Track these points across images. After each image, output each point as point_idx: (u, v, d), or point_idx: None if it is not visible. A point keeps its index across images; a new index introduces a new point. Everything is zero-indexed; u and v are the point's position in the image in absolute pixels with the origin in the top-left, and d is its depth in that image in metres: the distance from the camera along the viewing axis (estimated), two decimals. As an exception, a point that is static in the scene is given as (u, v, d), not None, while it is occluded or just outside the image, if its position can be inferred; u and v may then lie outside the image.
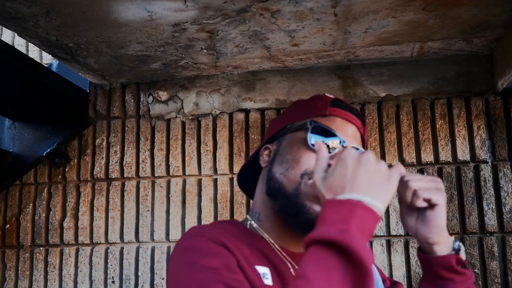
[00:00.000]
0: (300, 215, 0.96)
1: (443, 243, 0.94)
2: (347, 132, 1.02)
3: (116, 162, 2.02)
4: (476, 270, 1.76)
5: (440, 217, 0.92)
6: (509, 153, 1.83)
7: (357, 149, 1.00)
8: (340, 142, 0.99)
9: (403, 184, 0.91)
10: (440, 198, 0.91)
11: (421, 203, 0.91)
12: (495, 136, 1.85)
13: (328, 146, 0.98)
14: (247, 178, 1.18)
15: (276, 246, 1.02)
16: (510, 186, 1.80)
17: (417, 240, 0.96)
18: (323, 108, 1.04)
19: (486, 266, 1.76)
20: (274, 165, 1.03)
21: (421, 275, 1.08)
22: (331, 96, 1.09)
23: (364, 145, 1.11)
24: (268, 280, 0.94)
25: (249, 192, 1.20)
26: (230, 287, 0.83)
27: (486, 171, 1.83)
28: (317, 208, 0.95)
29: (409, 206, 0.92)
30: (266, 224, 1.04)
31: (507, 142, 1.83)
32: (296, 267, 1.00)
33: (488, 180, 1.82)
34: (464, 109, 1.88)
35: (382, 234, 1.83)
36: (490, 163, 1.83)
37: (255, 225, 1.06)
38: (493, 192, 1.81)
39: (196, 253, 0.90)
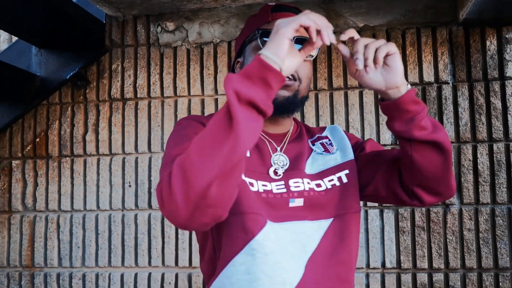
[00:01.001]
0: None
1: (404, 83, 1.10)
2: None
3: (130, 84, 2.37)
4: (435, 173, 2.13)
5: (399, 61, 1.08)
6: (467, 75, 2.17)
7: (303, 40, 1.15)
8: None
9: (359, 48, 1.06)
10: (394, 47, 1.07)
11: (383, 55, 1.05)
12: (456, 61, 2.18)
13: None
14: None
15: None
16: (466, 103, 2.15)
17: (382, 92, 1.11)
18: (266, 16, 1.23)
19: (444, 170, 2.13)
20: None
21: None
22: (273, 3, 1.26)
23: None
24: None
25: None
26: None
27: (447, 91, 2.17)
28: (282, 92, 1.17)
29: (368, 66, 1.06)
30: None
31: (465, 66, 2.17)
32: (274, 144, 1.25)
33: (449, 98, 2.17)
34: (430, 37, 2.20)
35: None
36: (451, 84, 2.18)
37: None
38: (452, 108, 2.16)
39: (178, 127, 1.19)
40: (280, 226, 1.14)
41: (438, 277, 2.08)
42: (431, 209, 2.11)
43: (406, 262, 2.11)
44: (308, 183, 1.20)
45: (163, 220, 2.27)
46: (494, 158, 2.10)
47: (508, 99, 2.11)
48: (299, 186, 1.19)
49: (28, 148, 2.43)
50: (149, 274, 2.27)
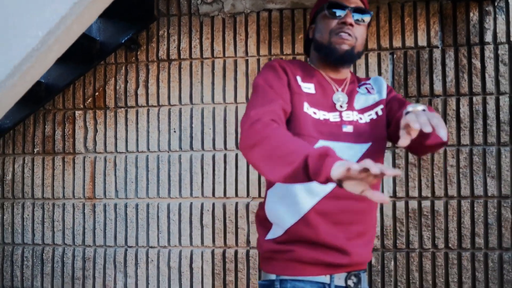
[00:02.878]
0: (334, 53, 1.59)
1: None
2: (350, 2, 1.60)
3: (175, 47, 2.92)
4: (425, 121, 2.69)
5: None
6: (453, 41, 2.71)
7: (359, 9, 1.60)
8: (344, 8, 1.58)
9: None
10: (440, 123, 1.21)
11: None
12: (445, 29, 2.72)
13: (336, 13, 1.60)
14: (307, 46, 1.81)
15: (323, 74, 1.66)
16: (452, 63, 2.70)
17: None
18: None
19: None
20: (315, 35, 1.67)
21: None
22: None
23: (365, 4, 1.67)
24: (311, 90, 1.58)
25: (308, 53, 1.80)
26: (273, 89, 1.50)
27: (437, 54, 2.72)
28: (343, 46, 1.57)
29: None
30: (318, 65, 1.68)
31: (452, 33, 2.71)
32: (335, 85, 1.64)
33: (438, 59, 2.71)
34: (424, 10, 2.74)
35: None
36: (440, 48, 2.72)
37: (312, 65, 1.70)
38: (440, 68, 2.71)
39: (263, 76, 1.56)
40: (331, 144, 1.46)
41: (426, 203, 2.66)
42: (421, 149, 2.67)
43: (401, 192, 2.67)
44: (357, 115, 1.59)
45: (203, 159, 2.85)
46: (473, 108, 2.65)
47: (486, 60, 2.66)
48: (349, 117, 1.57)
49: (89, 100, 2.99)
50: (191, 204, 2.85)
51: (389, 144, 2.61)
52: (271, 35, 2.81)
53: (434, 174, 2.64)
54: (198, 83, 2.86)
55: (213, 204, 2.78)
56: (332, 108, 1.59)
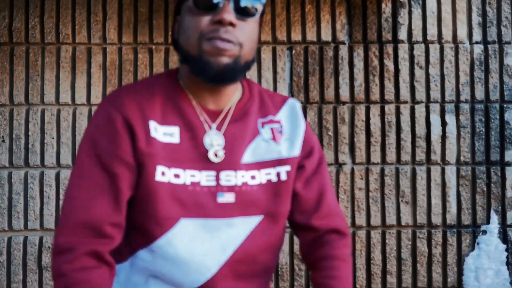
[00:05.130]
0: (207, 70, 1.06)
1: None
2: None
3: (4, 27, 2.21)
4: (329, 133, 2.23)
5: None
6: (363, 37, 2.28)
7: None
8: None
9: None
10: None
11: None
12: (353, 22, 2.28)
13: (207, 4, 1.06)
14: (177, 46, 1.19)
15: (194, 103, 1.14)
16: (361, 64, 2.27)
17: None
18: None
19: (338, 130, 2.23)
20: (180, 36, 1.13)
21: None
22: None
23: None
24: (173, 138, 1.10)
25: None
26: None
27: (343, 51, 2.27)
28: (219, 59, 1.05)
29: None
30: (188, 84, 1.15)
31: (362, 27, 2.28)
32: (211, 123, 1.14)
33: (345, 58, 2.27)
34: (329, -4, 2.29)
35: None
36: (347, 44, 2.28)
37: (181, 82, 1.17)
38: (347, 69, 2.27)
39: (90, 142, 1.09)
40: (199, 222, 1.10)
41: (329, 235, 2.19)
42: (324, 168, 2.21)
43: (299, 221, 2.19)
44: (243, 176, 1.13)
45: (43, 178, 2.16)
46: (385, 119, 2.24)
47: (400, 62, 2.26)
48: (230, 179, 1.12)
49: None
50: (25, 239, 2.16)
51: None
52: (137, 18, 2.20)
53: (340, 198, 2.19)
54: (37, 77, 2.17)
55: (56, 240, 2.10)
56: (204, 162, 1.12)
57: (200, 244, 1.10)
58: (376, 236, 2.20)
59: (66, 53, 2.21)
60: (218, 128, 1.14)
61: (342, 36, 2.27)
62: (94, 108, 2.20)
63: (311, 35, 2.27)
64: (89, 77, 2.22)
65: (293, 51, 2.26)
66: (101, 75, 2.22)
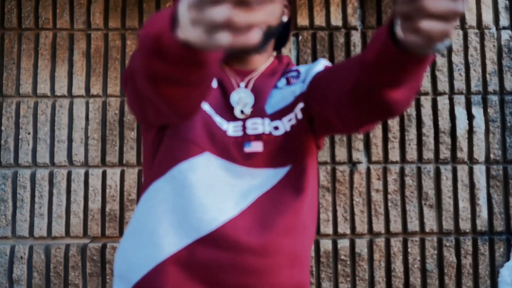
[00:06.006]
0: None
1: None
2: None
3: (-22, 11, 1.99)
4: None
5: None
6: (377, 22, 2.06)
7: None
8: None
9: None
10: None
11: None
12: (366, 5, 2.07)
13: None
14: None
15: (223, 65, 1.18)
16: (376, 51, 2.03)
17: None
18: None
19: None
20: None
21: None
22: None
23: None
24: (213, 84, 1.12)
25: None
26: None
27: (356, 37, 2.05)
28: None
29: None
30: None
31: (375, 11, 2.06)
32: (237, 79, 1.16)
33: (357, 45, 2.04)
34: (339, -22, 2.07)
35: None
36: (359, 30, 2.06)
37: None
38: (361, 56, 2.03)
39: None
40: (223, 163, 1.07)
41: (344, 243, 1.93)
42: (336, 167, 1.96)
43: (308, 227, 1.92)
44: (269, 125, 1.10)
45: (17, 178, 1.91)
46: (404, 112, 2.00)
47: (420, 48, 2.02)
48: (256, 128, 1.09)
49: None
50: (-5, 248, 1.90)
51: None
52: (126, 1, 2.00)
53: (354, 202, 1.93)
54: (12, 65, 1.95)
55: (30, 248, 1.85)
56: (232, 115, 1.13)
57: (221, 185, 1.06)
58: (396, 244, 1.94)
59: (46, 40, 1.99)
60: (246, 86, 1.15)
61: (354, 21, 2.06)
62: (75, 100, 1.96)
63: (319, 20, 2.05)
64: (71, 66, 1.99)
65: (300, 38, 2.04)
66: (85, 64, 1.99)
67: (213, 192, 1.04)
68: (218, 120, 1.10)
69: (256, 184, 1.08)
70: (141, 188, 1.15)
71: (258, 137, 1.09)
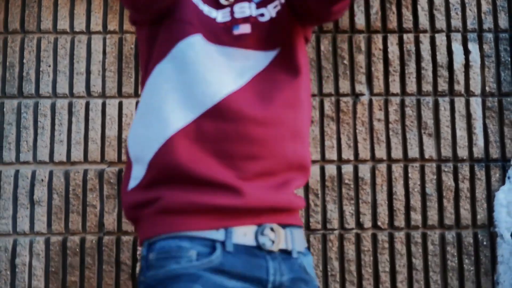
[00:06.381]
0: None
1: None
2: None
3: (2, -48, 2.11)
4: (345, 62, 2.10)
5: None
6: (378, -36, 2.18)
7: None
8: None
9: None
10: None
11: None
12: (367, -51, 2.19)
13: None
14: None
15: None
16: (377, -9, 2.16)
17: None
18: None
19: (354, 59, 2.11)
20: None
21: None
22: None
23: None
24: None
25: None
26: None
27: (358, -21, 2.17)
28: None
29: None
30: None
31: (377, -46, 2.18)
32: None
33: (359, -14, 2.16)
34: None
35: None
36: (361, -28, 2.17)
37: None
38: (363, -3, 2.16)
39: None
40: (215, 48, 1.13)
41: (347, 168, 2.04)
42: (340, 99, 2.07)
43: (314, 153, 2.04)
44: (255, 9, 1.17)
45: (37, 107, 2.03)
46: (404, 48, 2.12)
47: (418, -12, 2.15)
48: (244, 11, 1.16)
49: None
50: (16, 172, 2.00)
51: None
52: None
53: (358, 130, 2.04)
54: (33, 3, 2.07)
55: (51, 173, 1.95)
56: (218, 3, 1.20)
57: (218, 65, 1.11)
58: (398, 170, 2.05)
59: (64, -20, 2.11)
60: None
61: (357, -36, 2.18)
62: (93, 36, 2.08)
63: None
64: (89, 3, 2.11)
65: None
66: (102, 2, 2.11)
67: (213, 68, 1.10)
68: (206, 9, 1.16)
69: (249, 65, 1.13)
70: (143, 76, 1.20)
71: (245, 19, 1.15)
